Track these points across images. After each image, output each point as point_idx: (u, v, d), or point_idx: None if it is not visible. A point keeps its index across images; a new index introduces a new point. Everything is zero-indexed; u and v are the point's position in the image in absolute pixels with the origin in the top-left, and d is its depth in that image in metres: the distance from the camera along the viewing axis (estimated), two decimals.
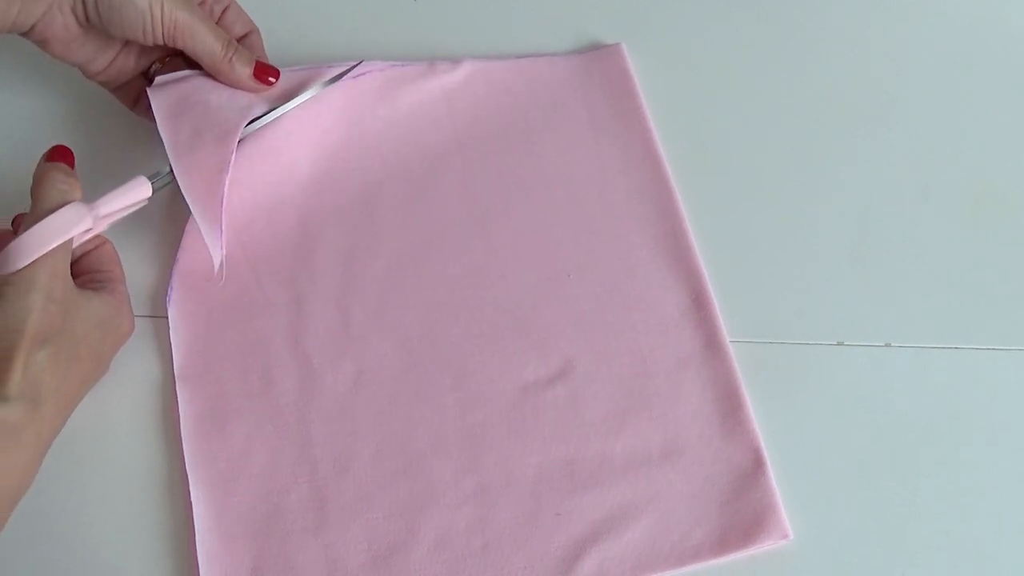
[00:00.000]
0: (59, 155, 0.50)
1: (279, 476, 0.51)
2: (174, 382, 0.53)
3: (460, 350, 0.55)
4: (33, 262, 0.46)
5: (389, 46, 0.63)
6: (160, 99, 0.55)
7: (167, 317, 0.55)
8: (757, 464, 0.51)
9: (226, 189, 0.53)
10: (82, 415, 0.52)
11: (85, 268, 0.52)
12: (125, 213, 0.53)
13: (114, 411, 0.53)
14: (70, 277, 0.48)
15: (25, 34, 0.53)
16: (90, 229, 0.50)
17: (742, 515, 0.50)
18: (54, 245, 0.47)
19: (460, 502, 0.51)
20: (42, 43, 0.53)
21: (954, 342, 0.56)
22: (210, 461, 0.51)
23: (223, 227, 0.53)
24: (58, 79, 0.61)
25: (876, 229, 0.59)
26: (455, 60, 0.63)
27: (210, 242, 0.53)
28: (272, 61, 0.57)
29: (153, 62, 0.57)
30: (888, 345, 0.56)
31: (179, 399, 0.53)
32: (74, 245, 0.49)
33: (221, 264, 0.53)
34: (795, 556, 0.50)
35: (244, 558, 0.49)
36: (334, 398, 0.53)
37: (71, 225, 0.48)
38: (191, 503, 0.50)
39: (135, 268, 0.56)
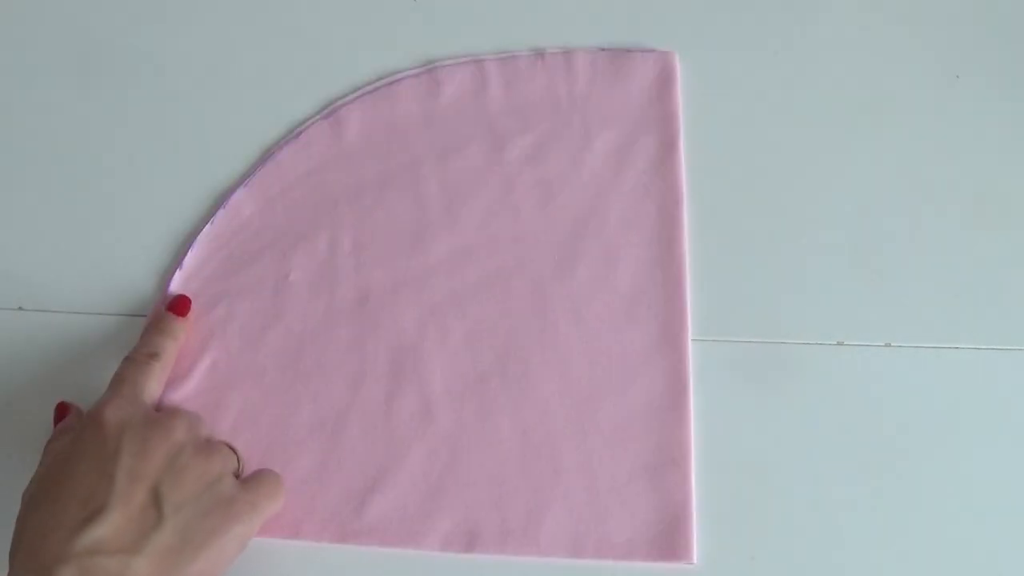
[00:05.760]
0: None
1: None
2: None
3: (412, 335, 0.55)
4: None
5: (389, 46, 0.63)
6: None
7: None
8: (683, 471, 0.51)
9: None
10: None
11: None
12: None
13: None
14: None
15: None
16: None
17: (654, 527, 0.50)
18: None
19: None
20: None
21: (954, 342, 0.56)
22: None
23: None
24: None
25: (876, 229, 0.59)
26: (458, 60, 0.63)
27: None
28: (269, 63, 0.57)
29: None
30: (888, 345, 0.56)
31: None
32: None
33: None
34: (795, 554, 0.50)
35: None
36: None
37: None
38: None
39: (136, 268, 0.56)
